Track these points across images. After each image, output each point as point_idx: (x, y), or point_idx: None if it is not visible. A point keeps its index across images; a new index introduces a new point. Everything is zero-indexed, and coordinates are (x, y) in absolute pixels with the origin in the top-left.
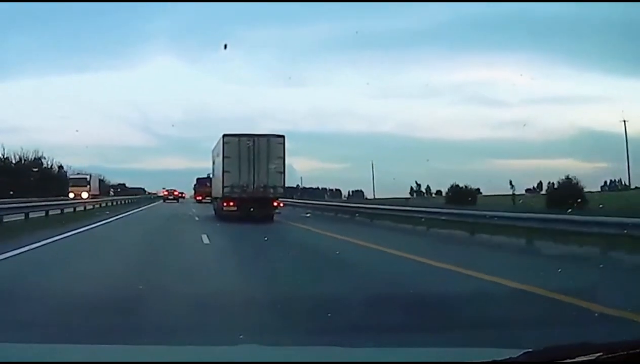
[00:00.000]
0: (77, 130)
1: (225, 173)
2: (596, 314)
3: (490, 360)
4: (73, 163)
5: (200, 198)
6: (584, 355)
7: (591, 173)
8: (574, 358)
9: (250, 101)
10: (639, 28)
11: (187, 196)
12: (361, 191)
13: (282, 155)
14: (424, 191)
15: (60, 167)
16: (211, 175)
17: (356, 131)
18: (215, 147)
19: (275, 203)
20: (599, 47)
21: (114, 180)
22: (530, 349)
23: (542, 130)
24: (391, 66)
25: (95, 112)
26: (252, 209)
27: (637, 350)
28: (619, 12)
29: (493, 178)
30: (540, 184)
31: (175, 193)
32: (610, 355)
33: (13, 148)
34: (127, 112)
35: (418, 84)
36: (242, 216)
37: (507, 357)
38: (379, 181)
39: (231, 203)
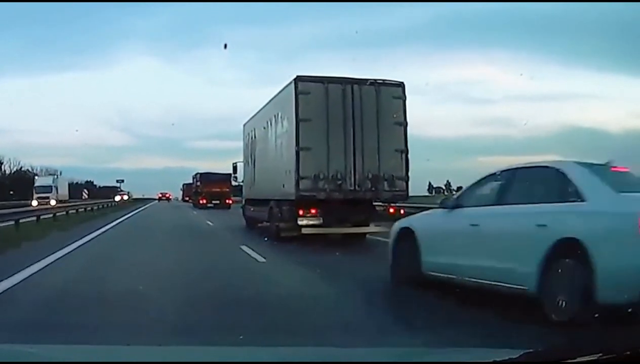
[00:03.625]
0: (77, 130)
1: (301, 152)
2: None
3: (490, 360)
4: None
5: (204, 202)
6: (584, 355)
7: None
8: (574, 358)
9: (241, 103)
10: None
11: (172, 197)
12: None
13: (402, 118)
14: (444, 188)
15: None
16: (244, 165)
17: None
18: (269, 106)
19: (391, 210)
20: (592, 45)
21: (86, 179)
22: (530, 350)
23: (527, 127)
24: (388, 65)
25: (76, 112)
26: (348, 222)
27: (637, 350)
28: (612, 11)
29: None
30: None
31: (167, 195)
32: (610, 355)
33: None
34: (106, 113)
35: (415, 84)
36: (329, 233)
37: (507, 357)
38: None
39: (312, 210)
